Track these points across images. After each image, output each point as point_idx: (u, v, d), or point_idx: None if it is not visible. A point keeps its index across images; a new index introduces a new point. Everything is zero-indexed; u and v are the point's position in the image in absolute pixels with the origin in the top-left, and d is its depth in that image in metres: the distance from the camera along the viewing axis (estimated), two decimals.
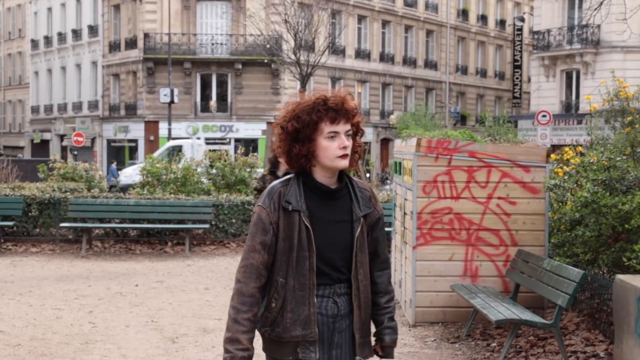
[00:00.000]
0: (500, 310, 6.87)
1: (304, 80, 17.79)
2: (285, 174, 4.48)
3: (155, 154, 19.63)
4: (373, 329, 3.52)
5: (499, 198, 8.40)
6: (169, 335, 8.19)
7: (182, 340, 8.00)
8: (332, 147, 3.26)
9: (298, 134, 3.26)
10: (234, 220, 14.55)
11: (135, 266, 12.88)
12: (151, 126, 42.98)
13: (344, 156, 3.26)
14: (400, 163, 9.87)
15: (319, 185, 3.33)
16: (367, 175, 19.84)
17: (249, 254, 3.32)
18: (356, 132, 3.36)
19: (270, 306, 3.32)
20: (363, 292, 3.39)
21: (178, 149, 26.53)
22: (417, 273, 8.48)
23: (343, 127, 3.28)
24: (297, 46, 17.71)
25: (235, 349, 3.22)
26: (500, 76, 57.49)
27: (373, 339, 3.51)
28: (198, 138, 18.29)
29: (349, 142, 3.28)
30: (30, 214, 14.40)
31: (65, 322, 8.68)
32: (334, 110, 3.25)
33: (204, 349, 7.63)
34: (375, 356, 3.52)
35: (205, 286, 11.10)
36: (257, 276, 3.29)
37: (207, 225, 14.21)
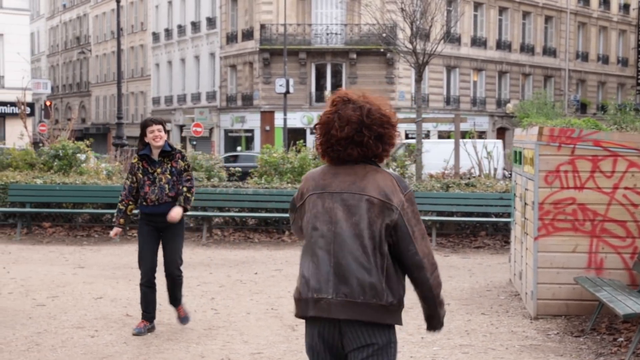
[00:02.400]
0: (628, 304, 6.66)
1: (420, 69, 17.63)
2: None
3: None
4: None
5: (626, 188, 8.12)
6: (288, 323, 8.29)
7: (302, 328, 8.06)
8: None
9: None
10: None
11: (254, 254, 13.10)
12: (267, 116, 43.62)
13: None
14: (520, 152, 9.67)
15: None
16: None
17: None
18: None
19: None
20: None
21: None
22: (539, 265, 8.30)
23: None
24: (414, 35, 17.56)
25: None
26: (624, 62, 55.58)
27: None
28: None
29: None
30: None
31: (188, 308, 8.89)
32: None
33: None
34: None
35: None
36: None
37: None
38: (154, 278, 7.75)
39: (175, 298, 7.95)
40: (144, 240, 7.69)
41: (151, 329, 7.77)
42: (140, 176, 7.63)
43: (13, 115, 38.90)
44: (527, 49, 49.95)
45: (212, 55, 49.35)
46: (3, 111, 40.39)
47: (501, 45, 48.49)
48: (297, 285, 3.57)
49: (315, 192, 3.56)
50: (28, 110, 19.81)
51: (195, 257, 12.75)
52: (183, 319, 7.97)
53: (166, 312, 8.67)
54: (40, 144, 20.56)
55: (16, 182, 15.00)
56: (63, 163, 16.46)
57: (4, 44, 40.94)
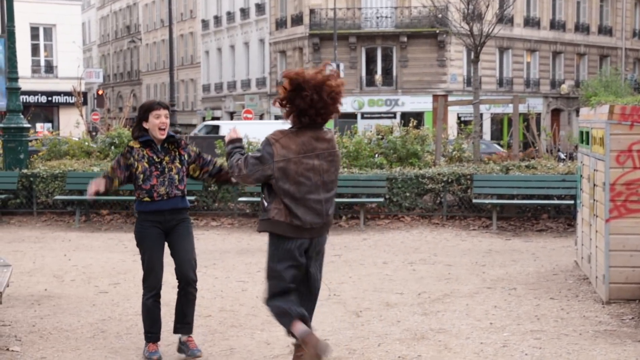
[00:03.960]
0: None
1: (477, 50, 17.31)
2: None
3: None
4: None
5: None
6: (352, 309, 8.15)
7: (366, 314, 7.94)
8: None
9: None
10: (408, 194, 14.40)
11: None
12: None
13: None
14: (587, 132, 9.37)
15: None
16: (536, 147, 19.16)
17: None
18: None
19: None
20: None
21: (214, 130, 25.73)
22: (611, 247, 8.02)
23: None
24: (470, 16, 17.23)
25: None
26: None
27: None
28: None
29: None
30: (209, 188, 14.80)
31: (250, 295, 8.82)
32: None
33: (390, 324, 7.54)
34: None
35: (383, 260, 11.03)
36: None
37: (381, 199, 14.14)
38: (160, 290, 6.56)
39: (187, 322, 6.51)
40: (151, 247, 6.39)
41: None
42: (146, 165, 6.26)
43: (67, 104, 39.37)
44: (581, 28, 48.97)
45: (262, 41, 49.33)
46: (57, 100, 40.87)
47: (555, 25, 47.60)
48: (288, 216, 5.33)
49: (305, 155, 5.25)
50: (82, 99, 19.92)
51: (253, 243, 12.69)
52: (195, 350, 6.46)
53: (228, 298, 8.60)
54: (95, 133, 20.71)
55: (74, 170, 15.08)
56: (119, 150, 16.50)
57: (57, 35, 41.39)
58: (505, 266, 10.48)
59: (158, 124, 6.23)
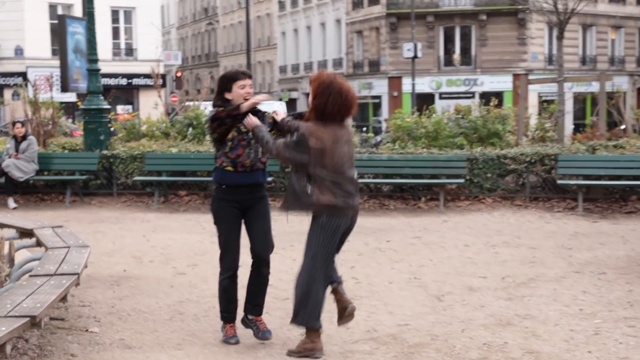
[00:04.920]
0: None
1: (561, 28, 16.74)
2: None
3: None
4: None
5: None
6: (433, 293, 7.92)
7: (448, 299, 7.70)
8: None
9: None
10: (489, 175, 14.01)
11: (391, 222, 12.74)
12: (394, 82, 43.07)
13: None
14: None
15: None
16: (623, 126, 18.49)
17: None
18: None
19: None
20: None
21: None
22: None
23: None
24: None
25: None
26: None
27: None
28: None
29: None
30: (286, 169, 14.67)
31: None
32: None
33: (473, 308, 7.28)
34: None
35: (465, 243, 10.73)
36: None
37: (462, 180, 13.79)
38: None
39: (257, 303, 6.33)
40: (229, 227, 6.16)
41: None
42: (235, 134, 6.02)
43: (146, 86, 39.79)
44: None
45: (338, 21, 49.05)
46: (137, 83, 41.42)
47: None
48: (333, 197, 5.84)
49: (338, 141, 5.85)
50: (161, 81, 20.06)
51: None
52: (266, 332, 6.25)
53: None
54: (174, 114, 20.81)
55: (152, 151, 15.15)
56: (197, 132, 16.52)
57: (136, 17, 41.91)
58: (592, 249, 10.07)
59: (243, 94, 6.01)
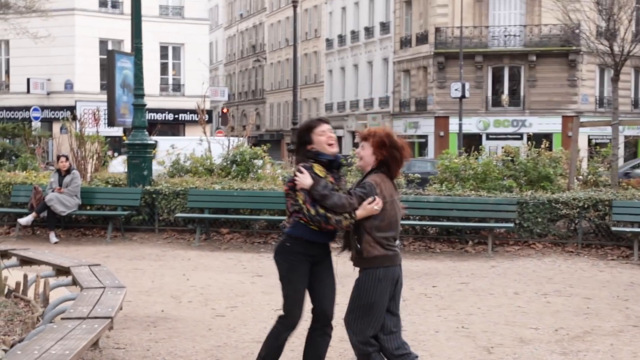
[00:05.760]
0: None
1: (617, 69, 16.33)
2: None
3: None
4: None
5: None
6: (483, 345, 7.53)
7: (499, 351, 7.30)
8: None
9: None
10: (539, 219, 13.56)
11: (437, 265, 12.35)
12: (441, 122, 42.71)
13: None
14: None
15: None
16: None
17: None
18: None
19: None
20: None
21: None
22: None
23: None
24: (609, 32, 16.29)
25: None
26: None
27: None
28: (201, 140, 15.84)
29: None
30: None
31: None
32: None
33: None
34: None
35: (515, 290, 10.30)
36: None
37: (511, 225, 13.35)
38: None
39: None
40: (301, 282, 5.77)
41: None
42: None
43: (192, 122, 40.07)
44: None
45: (386, 60, 48.97)
46: (183, 118, 41.65)
47: None
48: (385, 249, 5.67)
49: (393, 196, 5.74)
50: (206, 117, 19.98)
51: None
52: None
53: None
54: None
55: (195, 187, 14.98)
56: (240, 169, 16.35)
57: (185, 53, 42.30)
58: None
59: (326, 140, 5.73)
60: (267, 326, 8.10)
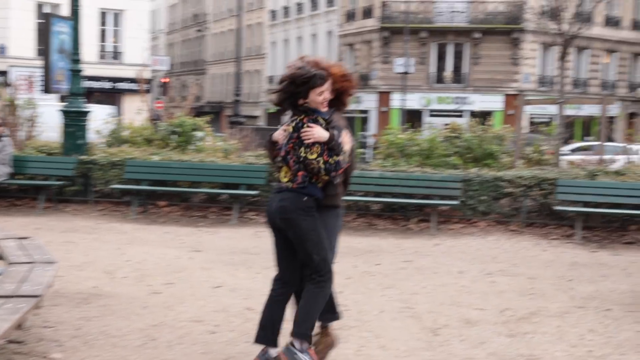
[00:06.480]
0: None
1: (564, 49, 16.30)
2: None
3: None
4: None
5: None
6: (428, 326, 7.30)
7: (445, 333, 7.08)
8: None
9: None
10: (484, 197, 13.44)
11: (380, 243, 12.13)
12: (384, 97, 42.57)
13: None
14: None
15: None
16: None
17: None
18: None
19: None
20: None
21: None
22: None
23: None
24: (555, 12, 16.22)
25: None
26: None
27: None
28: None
29: None
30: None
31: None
32: None
33: (472, 345, 6.68)
34: None
35: (459, 269, 10.13)
36: None
37: (456, 202, 13.19)
38: None
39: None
40: (322, 232, 5.63)
41: None
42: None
43: (131, 91, 39.15)
44: None
45: (330, 33, 48.58)
46: (122, 87, 40.72)
47: (637, 25, 45.73)
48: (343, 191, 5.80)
49: None
50: (146, 86, 19.43)
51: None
52: None
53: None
54: (158, 120, 20.19)
55: (133, 158, 14.49)
56: (181, 140, 15.89)
57: (125, 20, 41.24)
58: (594, 282, 9.50)
59: (322, 100, 5.47)
60: (206, 304, 7.79)
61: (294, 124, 5.48)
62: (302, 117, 5.47)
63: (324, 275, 5.60)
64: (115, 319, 7.20)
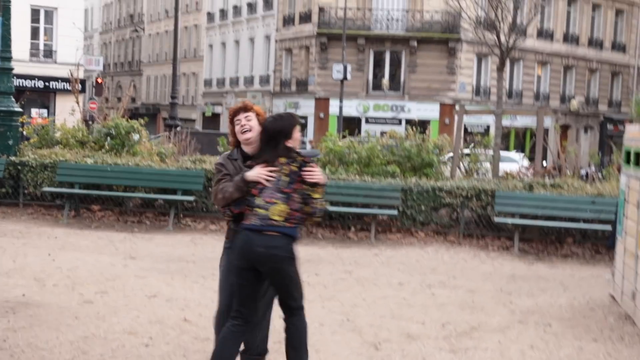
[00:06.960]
0: None
1: (503, 60, 16.42)
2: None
3: None
4: None
5: None
6: (369, 340, 7.17)
7: (386, 347, 6.96)
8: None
9: None
10: (423, 207, 13.38)
11: (319, 252, 11.97)
12: (322, 103, 42.44)
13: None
14: (637, 152, 8.40)
15: None
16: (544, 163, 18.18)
17: None
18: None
19: None
20: None
21: None
22: None
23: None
24: (492, 23, 16.35)
25: None
26: None
27: None
28: None
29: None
30: (210, 189, 13.78)
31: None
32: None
33: None
34: None
35: (399, 280, 10.03)
36: None
37: (394, 212, 13.11)
38: None
39: None
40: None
41: None
42: None
43: (64, 91, 38.20)
44: (595, 43, 47.99)
45: (268, 37, 48.30)
46: (54, 86, 39.75)
47: (568, 38, 46.60)
48: None
49: None
50: (80, 86, 18.90)
51: None
52: None
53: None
54: (91, 122, 19.69)
55: (65, 160, 14.05)
56: (115, 142, 15.49)
57: (57, 18, 40.28)
58: (533, 296, 9.49)
59: (298, 138, 5.49)
60: (140, 315, 7.51)
61: (296, 164, 5.28)
62: (300, 157, 5.30)
63: (302, 305, 5.61)
64: (44, 330, 6.89)
